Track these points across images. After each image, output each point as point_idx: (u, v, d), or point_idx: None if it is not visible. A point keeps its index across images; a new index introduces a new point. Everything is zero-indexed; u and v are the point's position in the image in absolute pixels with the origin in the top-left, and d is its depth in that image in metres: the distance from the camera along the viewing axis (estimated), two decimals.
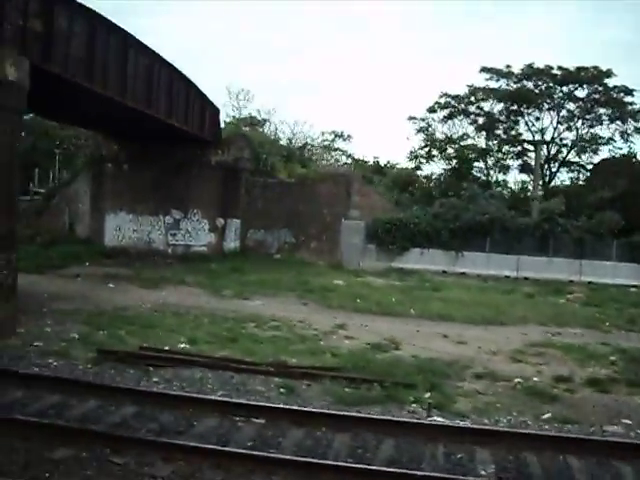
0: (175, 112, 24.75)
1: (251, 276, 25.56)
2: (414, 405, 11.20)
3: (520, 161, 44.49)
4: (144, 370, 12.08)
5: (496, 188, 41.55)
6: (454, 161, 44.29)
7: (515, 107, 42.27)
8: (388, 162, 55.02)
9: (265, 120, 44.10)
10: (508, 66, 42.07)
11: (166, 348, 13.62)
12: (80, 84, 17.83)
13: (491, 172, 44.78)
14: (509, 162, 44.77)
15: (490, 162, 44.12)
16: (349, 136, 50.43)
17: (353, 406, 10.76)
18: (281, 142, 39.40)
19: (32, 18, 14.97)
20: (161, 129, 25.27)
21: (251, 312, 18.50)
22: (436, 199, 36.66)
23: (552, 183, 42.82)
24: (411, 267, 30.67)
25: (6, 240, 13.80)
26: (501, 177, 45.01)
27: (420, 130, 45.62)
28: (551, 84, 41.05)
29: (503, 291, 26.51)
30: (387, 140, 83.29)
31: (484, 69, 42.48)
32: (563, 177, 44.51)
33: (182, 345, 14.12)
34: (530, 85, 41.69)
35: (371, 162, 53.45)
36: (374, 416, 10.18)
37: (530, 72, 40.92)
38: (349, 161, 51.09)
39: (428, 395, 11.70)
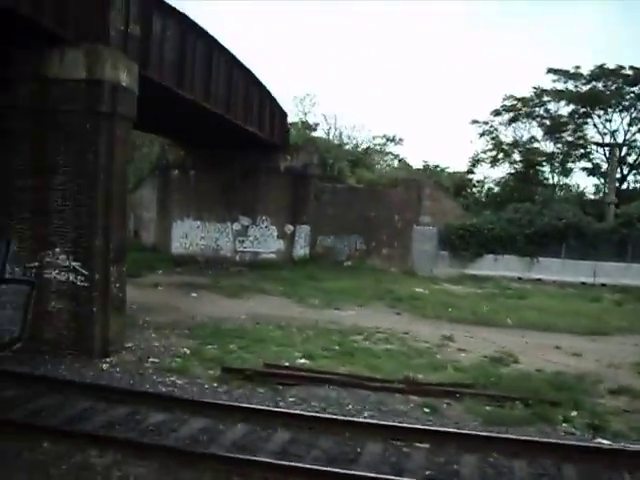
0: (250, 117, 24.15)
1: (328, 284, 24.88)
2: (564, 425, 10.52)
3: (584, 164, 43.34)
4: (274, 389, 11.45)
5: (560, 192, 40.53)
6: (520, 165, 43.19)
7: (585, 109, 40.99)
8: (437, 166, 54.06)
9: (317, 124, 43.46)
10: (577, 67, 40.73)
11: (286, 364, 12.96)
12: (170, 89, 17.25)
13: (553, 175, 43.65)
14: (571, 165, 43.55)
15: (555, 165, 42.90)
16: (400, 139, 49.56)
17: (503, 426, 10.19)
18: (347, 147, 38.68)
19: (132, 23, 14.40)
20: (234, 134, 24.65)
21: (350, 323, 17.82)
22: (502, 204, 35.72)
23: (622, 186, 41.48)
24: (485, 274, 29.76)
25: (119, 252, 13.23)
26: (563, 180, 43.89)
27: (483, 133, 44.63)
28: (622, 85, 39.81)
29: (589, 299, 25.50)
30: (437, 143, 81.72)
31: (551, 70, 41.19)
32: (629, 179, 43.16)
33: (302, 361, 13.46)
34: (600, 86, 40.39)
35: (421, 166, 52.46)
36: (543, 439, 9.45)
37: (600, 73, 39.63)
38: (396, 165, 50.21)
39: (575, 414, 11.04)
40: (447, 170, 51.71)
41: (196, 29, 18.46)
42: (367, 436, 9.29)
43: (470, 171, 50.21)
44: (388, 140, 49.05)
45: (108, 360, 12.66)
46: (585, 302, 24.82)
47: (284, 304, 20.76)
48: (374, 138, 46.78)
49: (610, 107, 40.69)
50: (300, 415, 9.85)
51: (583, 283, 29.61)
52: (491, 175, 47.32)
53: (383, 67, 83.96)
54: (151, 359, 12.92)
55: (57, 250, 12.62)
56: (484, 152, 45.39)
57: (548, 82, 43.00)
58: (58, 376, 11.47)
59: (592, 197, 41.96)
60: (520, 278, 29.86)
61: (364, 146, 41.56)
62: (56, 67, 12.45)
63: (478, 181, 50.88)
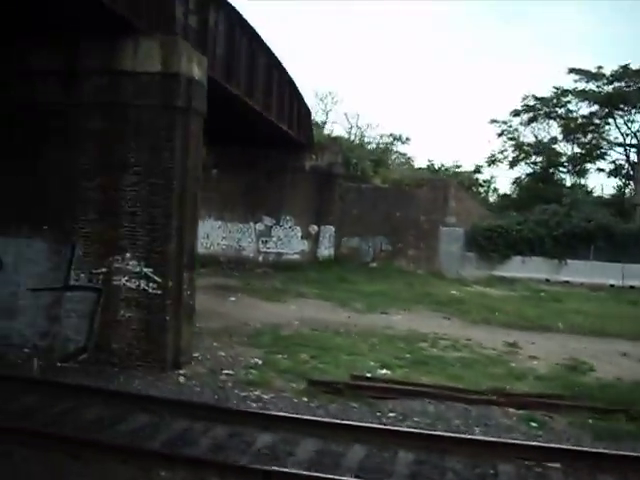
0: (282, 115, 23.44)
1: (361, 286, 24.35)
2: None
3: (601, 165, 42.75)
4: (368, 403, 10.74)
5: (577, 192, 39.96)
6: (539, 165, 42.56)
7: (607, 109, 40.31)
8: (442, 165, 53.81)
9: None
10: (599, 67, 40.18)
11: (368, 375, 12.29)
12: (220, 84, 16.51)
13: (569, 176, 43.09)
14: (588, 166, 42.99)
15: (572, 165, 42.33)
16: (407, 139, 49.01)
17: (615, 442, 9.53)
18: (368, 146, 37.99)
19: (191, 14, 13.68)
20: (267, 133, 23.92)
21: (405, 328, 17.19)
22: (523, 205, 35.19)
23: None
24: (512, 275, 29.23)
25: (192, 257, 12.48)
26: (579, 181, 43.18)
27: (502, 133, 43.93)
28: None
29: (626, 302, 25.04)
30: (443, 143, 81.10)
31: (572, 70, 40.51)
32: None
33: (382, 371, 12.79)
34: (622, 86, 39.67)
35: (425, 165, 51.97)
36: None
37: (623, 73, 38.90)
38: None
39: None
40: (452, 169, 51.56)
41: (242, 24, 17.82)
42: (493, 455, 8.66)
43: (477, 170, 49.87)
44: (395, 139, 48.51)
45: (181, 372, 11.90)
46: (623, 305, 24.39)
47: (327, 308, 20.09)
48: (381, 137, 46.27)
49: (634, 107, 40.15)
50: (415, 434, 9.18)
51: (612, 285, 29.11)
52: (497, 175, 46.82)
53: (392, 66, 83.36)
54: (225, 371, 12.17)
55: (127, 255, 11.82)
56: (501, 152, 44.77)
57: (569, 82, 42.36)
58: (133, 390, 10.74)
59: (607, 197, 41.47)
60: (548, 280, 29.36)
61: (376, 145, 40.81)
62: (129, 59, 11.68)
63: (484, 181, 50.55)
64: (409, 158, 49.49)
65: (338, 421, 9.47)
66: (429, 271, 29.51)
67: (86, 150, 12.00)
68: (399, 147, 49.58)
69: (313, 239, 29.91)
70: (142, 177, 11.74)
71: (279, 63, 22.36)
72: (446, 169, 52.71)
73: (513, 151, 44.03)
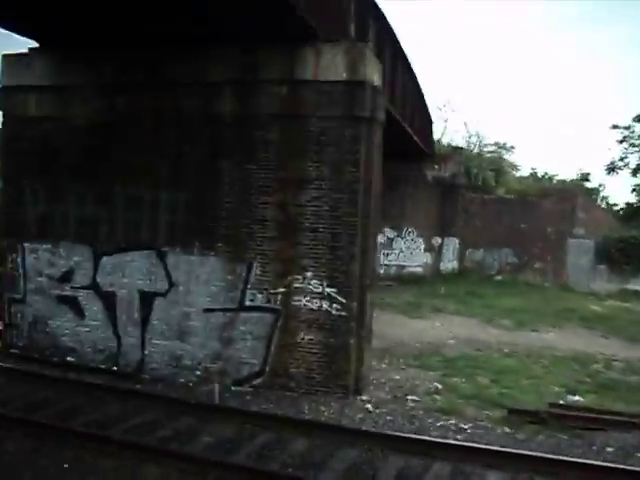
0: (413, 125, 22.73)
1: (495, 300, 23.31)
2: None
3: None
4: (575, 435, 9.89)
5: None
6: None
7: None
8: (546, 174, 52.17)
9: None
10: None
11: (561, 402, 11.43)
12: None
13: None
14: None
15: None
16: (512, 147, 47.39)
17: None
18: (487, 156, 36.78)
19: (350, 22, 13.04)
20: (398, 142, 23.17)
21: (566, 347, 16.22)
22: None
23: None
24: None
25: (372, 277, 11.88)
26: None
27: (623, 140, 41.80)
28: None
29: None
30: (545, 151, 79.17)
31: None
32: None
33: (574, 398, 11.88)
34: None
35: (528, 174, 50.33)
36: None
37: None
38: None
39: None
40: (556, 177, 49.96)
41: (388, 30, 17.18)
42: None
43: (585, 178, 48.14)
44: (499, 147, 46.99)
45: (364, 398, 11.26)
46: None
47: (473, 325, 19.18)
48: (485, 145, 44.88)
49: None
50: None
51: None
52: (605, 183, 44.70)
53: (491, 70, 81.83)
54: (409, 397, 11.48)
55: (308, 274, 11.23)
56: (621, 159, 42.61)
57: None
58: (329, 421, 10.11)
59: None
60: None
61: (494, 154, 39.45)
62: (310, 68, 11.12)
63: (592, 189, 48.72)
64: (516, 167, 47.86)
65: (567, 458, 8.62)
66: (556, 284, 28.20)
67: (263, 164, 11.50)
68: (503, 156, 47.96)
69: (436, 252, 29.06)
70: (324, 192, 11.14)
71: (413, 74, 21.71)
72: (549, 177, 51.20)
73: None
